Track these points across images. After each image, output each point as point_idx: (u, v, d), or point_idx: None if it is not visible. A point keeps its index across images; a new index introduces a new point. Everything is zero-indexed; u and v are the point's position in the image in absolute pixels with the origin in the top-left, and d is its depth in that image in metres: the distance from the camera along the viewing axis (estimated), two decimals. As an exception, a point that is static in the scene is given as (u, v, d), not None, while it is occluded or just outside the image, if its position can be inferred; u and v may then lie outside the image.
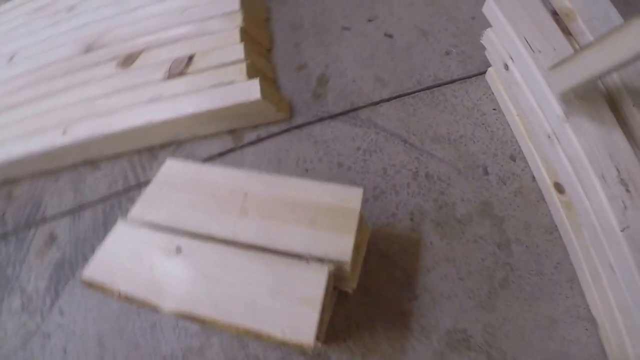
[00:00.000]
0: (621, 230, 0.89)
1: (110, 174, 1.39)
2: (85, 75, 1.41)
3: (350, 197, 0.87)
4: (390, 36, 1.42)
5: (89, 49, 1.47)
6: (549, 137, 1.04)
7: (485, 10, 1.13)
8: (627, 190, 0.93)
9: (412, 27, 1.42)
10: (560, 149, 1.01)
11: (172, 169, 0.99)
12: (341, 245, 0.82)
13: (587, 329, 1.04)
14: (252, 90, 1.21)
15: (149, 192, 0.95)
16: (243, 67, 1.26)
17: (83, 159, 1.42)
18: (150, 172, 1.35)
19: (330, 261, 0.81)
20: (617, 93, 1.01)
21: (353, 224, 0.84)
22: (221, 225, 0.88)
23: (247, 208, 0.90)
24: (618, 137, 0.98)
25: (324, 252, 0.82)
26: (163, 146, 1.39)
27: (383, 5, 1.49)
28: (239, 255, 0.84)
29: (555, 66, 0.98)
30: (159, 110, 1.26)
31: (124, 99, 1.31)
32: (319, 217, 0.86)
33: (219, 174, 0.96)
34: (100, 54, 1.44)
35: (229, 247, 0.85)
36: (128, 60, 1.40)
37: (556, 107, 0.98)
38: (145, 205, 0.93)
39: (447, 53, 1.36)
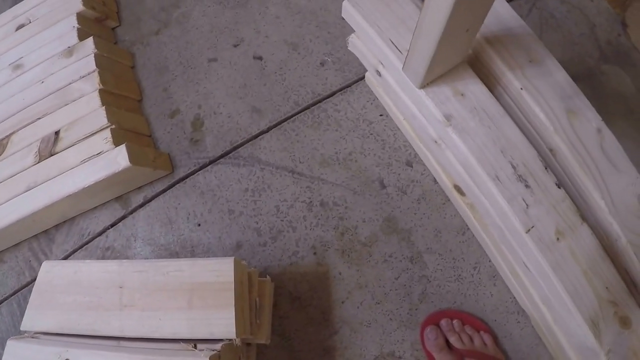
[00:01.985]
0: (526, 232, 0.83)
1: (15, 265, 1.23)
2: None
3: (223, 270, 0.80)
4: (260, 58, 1.30)
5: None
6: (436, 142, 0.97)
7: (344, 15, 1.04)
8: (527, 186, 0.88)
9: (282, 43, 1.32)
10: (450, 153, 0.95)
11: (49, 272, 0.90)
12: (223, 322, 0.76)
13: (519, 322, 1.02)
14: (120, 158, 1.08)
15: (33, 300, 0.88)
16: (108, 133, 1.12)
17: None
18: (52, 256, 1.22)
19: (217, 340, 0.76)
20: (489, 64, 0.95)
21: (230, 297, 0.77)
22: (106, 323, 0.82)
23: (125, 302, 0.82)
24: (508, 128, 0.92)
25: (209, 332, 0.76)
26: (57, 227, 1.25)
27: (248, 26, 1.38)
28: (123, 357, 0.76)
29: (405, 63, 0.91)
30: (38, 198, 1.12)
31: (2, 193, 1.16)
32: (195, 298, 0.79)
33: (95, 269, 0.88)
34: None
35: (116, 350, 0.78)
36: None
37: (435, 112, 0.91)
38: (32, 316, 0.87)
39: (322, 64, 1.27)
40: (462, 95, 0.93)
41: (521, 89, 0.93)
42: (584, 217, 0.86)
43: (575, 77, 1.20)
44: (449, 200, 1.10)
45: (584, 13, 1.39)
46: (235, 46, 1.35)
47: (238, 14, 1.41)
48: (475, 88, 0.94)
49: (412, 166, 1.13)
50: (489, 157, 0.89)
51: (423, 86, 0.91)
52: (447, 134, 0.91)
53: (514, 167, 0.89)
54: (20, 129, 1.24)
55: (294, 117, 1.19)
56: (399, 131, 1.16)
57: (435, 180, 1.12)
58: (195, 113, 1.28)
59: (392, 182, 1.11)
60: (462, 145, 0.89)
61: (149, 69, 1.40)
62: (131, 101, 1.34)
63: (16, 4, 1.49)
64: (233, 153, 1.19)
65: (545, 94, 0.93)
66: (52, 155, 1.16)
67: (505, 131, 0.92)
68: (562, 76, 0.94)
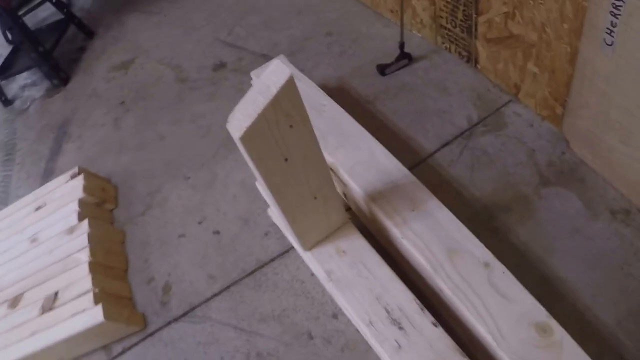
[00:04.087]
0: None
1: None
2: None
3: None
4: (218, 232, 1.66)
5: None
6: (332, 297, 1.24)
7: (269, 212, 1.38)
8: (401, 328, 1.10)
9: (236, 219, 1.68)
10: (339, 303, 1.20)
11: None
12: None
13: None
14: (96, 315, 1.41)
15: None
16: (91, 296, 1.46)
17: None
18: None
19: None
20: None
21: None
22: None
23: None
24: (385, 276, 1.13)
25: None
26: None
27: (211, 205, 1.76)
28: None
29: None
30: (39, 342, 1.45)
31: (14, 336, 1.51)
32: None
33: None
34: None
35: None
36: (14, 302, 1.61)
37: (319, 270, 1.19)
38: None
39: (266, 234, 1.61)
40: (343, 252, 1.22)
41: (402, 238, 1.16)
42: (465, 354, 1.01)
43: (508, 209, 1.42)
44: (370, 347, 1.31)
45: (522, 141, 1.59)
46: (199, 223, 1.71)
47: (205, 196, 1.80)
48: (356, 244, 1.23)
49: (337, 318, 1.38)
50: (364, 304, 1.12)
51: (309, 249, 1.21)
52: (330, 288, 1.18)
53: (387, 312, 1.12)
54: (31, 288, 1.62)
55: (239, 282, 1.50)
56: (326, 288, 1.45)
57: (357, 330, 1.34)
58: (165, 280, 1.60)
59: (319, 333, 1.36)
60: (340, 297, 1.15)
61: (135, 245, 1.76)
62: (118, 270, 1.69)
63: (44, 183, 1.94)
64: (191, 312, 1.49)
65: (426, 238, 1.15)
66: (51, 310, 1.51)
67: (382, 279, 1.15)
68: (446, 218, 1.16)
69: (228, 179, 1.82)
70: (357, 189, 1.28)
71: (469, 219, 1.19)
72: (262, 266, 1.53)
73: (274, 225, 1.62)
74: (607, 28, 1.13)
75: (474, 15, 1.65)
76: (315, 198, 1.11)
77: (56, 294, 1.54)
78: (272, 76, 0.89)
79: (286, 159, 0.98)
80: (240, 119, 0.88)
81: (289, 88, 0.88)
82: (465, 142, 1.65)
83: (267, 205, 1.64)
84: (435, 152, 1.66)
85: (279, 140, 0.95)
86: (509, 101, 1.73)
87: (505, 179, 1.52)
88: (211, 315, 1.46)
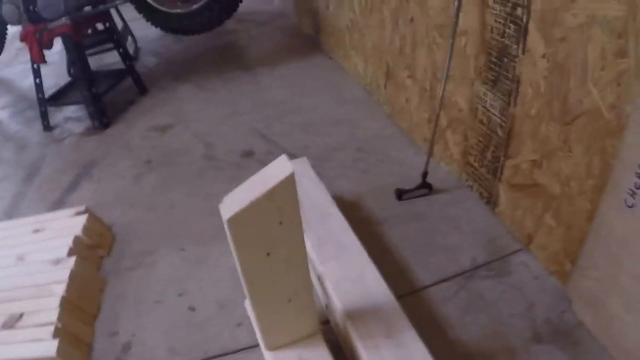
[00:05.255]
0: None
1: None
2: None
3: None
4: (193, 309, 1.67)
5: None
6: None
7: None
8: None
9: (214, 302, 1.70)
10: None
11: None
12: None
13: None
14: (49, 349, 1.41)
15: None
16: (52, 329, 1.47)
17: None
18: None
19: None
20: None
21: None
22: None
23: None
24: None
25: None
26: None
27: (195, 281, 1.79)
28: None
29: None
30: None
31: None
32: None
33: None
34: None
35: None
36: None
37: None
38: None
39: (239, 324, 1.61)
40: None
41: None
42: None
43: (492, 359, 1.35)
44: None
45: (523, 292, 1.57)
46: (179, 295, 1.73)
47: (192, 271, 1.84)
48: (320, 357, 1.23)
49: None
50: None
51: (271, 349, 1.21)
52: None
53: None
54: (1, 303, 1.62)
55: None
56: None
57: None
58: (128, 339, 1.59)
59: None
60: None
61: (112, 296, 1.77)
62: (87, 315, 1.69)
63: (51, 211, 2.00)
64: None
65: None
66: (11, 329, 1.52)
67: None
68: (419, 352, 1.15)
69: (219, 261, 1.87)
70: (337, 304, 1.32)
71: (447, 362, 1.19)
72: (225, 354, 1.52)
73: (248, 318, 1.63)
74: (630, 189, 1.15)
75: (502, 158, 1.74)
76: (290, 301, 1.15)
77: (21, 315, 1.55)
78: (275, 169, 0.98)
79: (268, 254, 1.04)
80: (233, 202, 0.96)
81: (288, 184, 0.96)
82: (464, 283, 1.66)
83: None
84: (430, 285, 1.67)
85: (266, 233, 1.01)
86: (519, 250, 1.75)
87: (497, 328, 1.48)
88: (160, 389, 1.44)
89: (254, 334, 1.56)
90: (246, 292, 1.12)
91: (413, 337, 1.23)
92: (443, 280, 1.68)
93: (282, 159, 1.01)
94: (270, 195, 0.95)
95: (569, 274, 1.51)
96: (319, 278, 1.47)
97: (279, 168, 0.98)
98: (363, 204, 2.09)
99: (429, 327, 1.29)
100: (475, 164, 1.96)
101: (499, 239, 1.81)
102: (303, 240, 1.08)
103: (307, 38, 3.87)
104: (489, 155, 1.84)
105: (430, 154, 1.98)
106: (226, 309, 1.67)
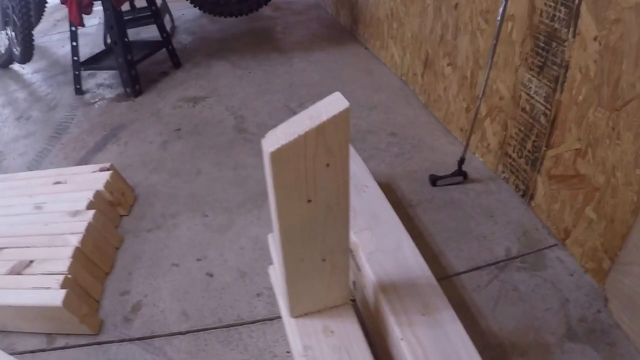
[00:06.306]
0: None
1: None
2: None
3: None
4: (211, 275, 1.56)
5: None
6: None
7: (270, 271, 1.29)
8: None
9: (234, 270, 1.59)
10: None
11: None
12: None
13: None
14: (56, 297, 1.33)
15: None
16: (61, 278, 1.39)
17: None
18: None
19: None
20: None
21: None
22: None
23: None
24: None
25: None
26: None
27: (216, 248, 1.68)
28: None
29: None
30: None
31: None
32: None
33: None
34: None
35: None
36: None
37: (297, 342, 1.07)
38: None
39: (258, 295, 1.50)
40: (331, 332, 1.09)
41: (401, 339, 1.03)
42: None
43: (524, 353, 1.27)
44: None
45: (558, 288, 1.47)
46: (197, 260, 1.63)
47: (214, 238, 1.73)
48: (349, 329, 1.10)
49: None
50: None
51: (295, 316, 1.09)
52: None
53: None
54: (13, 247, 1.57)
55: (210, 330, 1.38)
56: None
57: None
58: (139, 299, 1.50)
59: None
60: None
61: (128, 255, 1.68)
62: (99, 270, 1.61)
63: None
64: (149, 340, 1.36)
65: (427, 347, 1.01)
66: (19, 275, 1.45)
67: None
68: (456, 333, 1.03)
69: (243, 230, 1.77)
70: (370, 276, 1.19)
71: (479, 351, 1.06)
72: (241, 324, 1.40)
73: (269, 289, 1.52)
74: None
75: (544, 148, 1.62)
76: (324, 260, 1.03)
77: (31, 262, 1.48)
78: (328, 105, 0.85)
79: (309, 200, 0.91)
80: (278, 136, 0.84)
81: (341, 121, 0.83)
82: (497, 273, 1.54)
83: (271, 265, 1.56)
84: (463, 272, 1.55)
85: (310, 175, 0.88)
86: (554, 245, 1.63)
87: (530, 322, 1.38)
88: (167, 350, 1.32)
89: (274, 305, 1.46)
90: (277, 245, 1.00)
91: (451, 316, 1.09)
92: (475, 269, 1.57)
93: (337, 95, 0.88)
94: (321, 130, 0.83)
95: (607, 272, 1.41)
96: (352, 250, 1.35)
97: (332, 104, 0.85)
98: (395, 186, 1.97)
99: (460, 315, 1.17)
100: (514, 155, 1.84)
101: (534, 233, 1.69)
102: (348, 191, 0.95)
103: (343, 28, 3.77)
104: (529, 145, 1.72)
105: (468, 140, 1.86)
106: (247, 278, 1.56)
